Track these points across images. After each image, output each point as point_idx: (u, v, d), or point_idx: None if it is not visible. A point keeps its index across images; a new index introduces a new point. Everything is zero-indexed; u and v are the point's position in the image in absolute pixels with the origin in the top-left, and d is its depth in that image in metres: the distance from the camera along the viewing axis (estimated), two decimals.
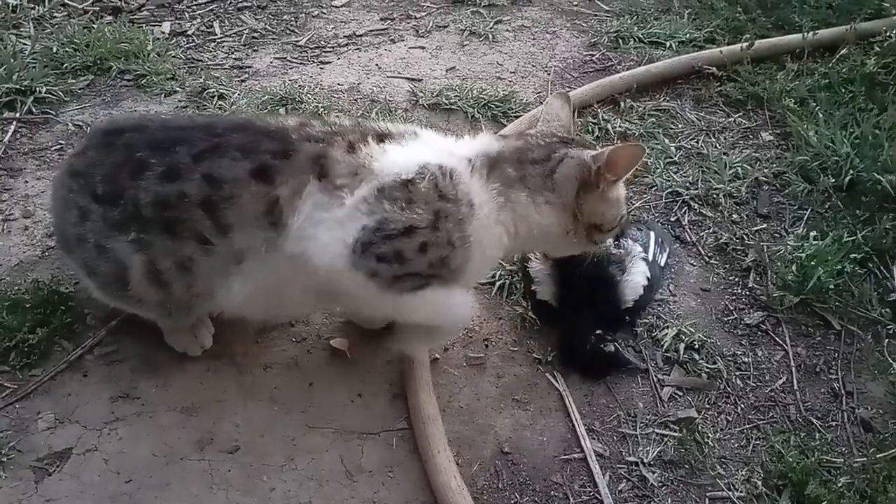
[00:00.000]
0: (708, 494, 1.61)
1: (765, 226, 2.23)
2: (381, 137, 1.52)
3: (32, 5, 2.86)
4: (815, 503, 1.54)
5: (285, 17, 2.99)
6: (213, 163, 1.45)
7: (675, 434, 1.71)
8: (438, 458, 1.57)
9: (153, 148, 1.50)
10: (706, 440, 1.69)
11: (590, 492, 1.61)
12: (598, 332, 1.80)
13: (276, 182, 1.43)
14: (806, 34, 2.79)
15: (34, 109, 2.38)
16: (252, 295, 1.53)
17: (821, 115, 2.49)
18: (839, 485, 1.59)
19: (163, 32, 2.82)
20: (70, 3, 2.91)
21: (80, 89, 2.50)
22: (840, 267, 1.98)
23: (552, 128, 1.65)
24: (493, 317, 1.94)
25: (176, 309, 1.58)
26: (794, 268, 2.00)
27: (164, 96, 2.49)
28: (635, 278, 1.87)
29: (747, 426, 1.74)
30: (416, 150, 1.51)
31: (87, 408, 1.64)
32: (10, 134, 2.29)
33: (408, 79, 2.66)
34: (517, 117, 2.46)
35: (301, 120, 1.57)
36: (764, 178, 2.38)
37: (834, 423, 1.76)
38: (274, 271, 1.48)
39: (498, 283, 1.99)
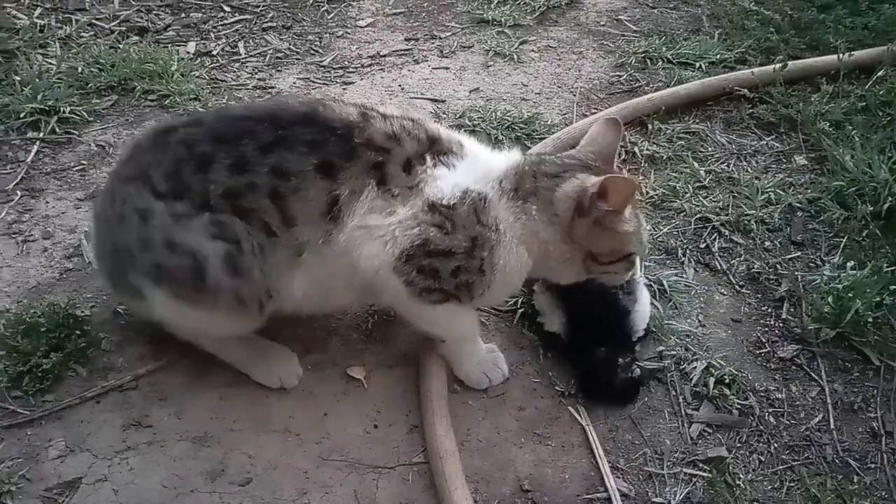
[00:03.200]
0: None
1: (799, 254, 2.15)
2: (433, 149, 1.57)
3: (60, 25, 2.89)
4: None
5: (310, 37, 2.98)
6: (280, 156, 1.49)
7: (705, 474, 1.63)
8: (455, 496, 1.51)
9: (217, 140, 1.52)
10: (737, 482, 1.62)
11: None
12: (620, 359, 1.75)
13: (339, 180, 1.49)
14: (841, 55, 2.71)
15: (57, 129, 2.39)
16: (308, 289, 1.57)
17: (857, 139, 2.41)
18: None
19: (188, 52, 2.82)
20: (97, 22, 2.94)
21: (104, 109, 2.51)
22: (879, 299, 1.90)
23: (583, 152, 1.65)
24: (514, 346, 1.88)
25: (250, 300, 1.54)
26: (830, 299, 1.91)
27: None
28: (643, 308, 1.82)
29: (781, 467, 1.66)
30: (461, 174, 1.56)
31: (99, 435, 1.61)
32: (32, 154, 2.30)
33: (431, 99, 2.63)
34: (541, 139, 2.41)
35: (362, 109, 1.58)
36: (798, 204, 2.30)
37: (873, 466, 1.67)
38: (327, 266, 1.54)
39: (520, 312, 1.93)
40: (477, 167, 1.59)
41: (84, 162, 2.29)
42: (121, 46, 2.75)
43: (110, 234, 1.61)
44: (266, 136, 1.51)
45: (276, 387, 1.72)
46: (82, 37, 2.85)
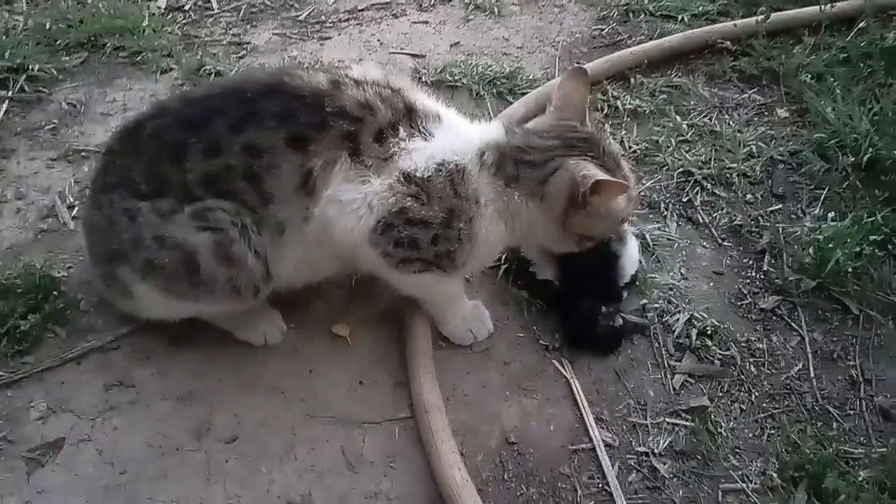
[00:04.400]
0: (721, 486, 1.56)
1: (780, 206, 2.16)
2: (409, 119, 1.53)
3: None
4: (833, 496, 1.49)
5: None
6: (251, 133, 1.45)
7: (687, 423, 1.65)
8: (442, 449, 1.52)
9: (187, 126, 1.48)
10: (719, 430, 1.64)
11: (598, 483, 1.56)
12: (603, 309, 1.77)
13: (311, 152, 1.45)
14: (823, 7, 2.68)
15: (27, 88, 2.31)
16: (297, 264, 1.57)
17: (839, 91, 2.40)
18: (859, 477, 1.53)
19: (158, 7, 2.73)
20: None
21: (74, 67, 2.43)
22: (859, 249, 1.91)
23: (561, 122, 1.60)
24: (498, 302, 1.87)
25: (245, 287, 1.51)
26: (810, 250, 1.93)
27: (160, 74, 2.42)
28: (632, 252, 1.82)
29: (762, 415, 1.68)
30: (437, 145, 1.52)
31: (81, 396, 1.60)
32: (1, 113, 2.22)
33: (410, 55, 2.58)
34: (524, 94, 2.37)
35: (333, 77, 1.54)
36: (779, 157, 2.30)
37: (852, 412, 1.70)
38: (310, 241, 1.52)
39: (503, 268, 1.92)
40: (454, 139, 1.55)
41: (55, 121, 2.23)
42: (89, 1, 2.66)
43: (102, 239, 1.57)
44: (235, 112, 1.47)
45: (261, 344, 1.71)
46: None
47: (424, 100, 1.61)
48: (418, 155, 1.50)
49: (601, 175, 1.47)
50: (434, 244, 1.52)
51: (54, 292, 1.72)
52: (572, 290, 1.77)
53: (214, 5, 2.79)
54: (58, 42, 2.48)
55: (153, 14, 2.67)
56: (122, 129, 1.64)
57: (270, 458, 1.54)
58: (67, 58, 2.45)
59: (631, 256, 1.81)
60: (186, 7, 2.77)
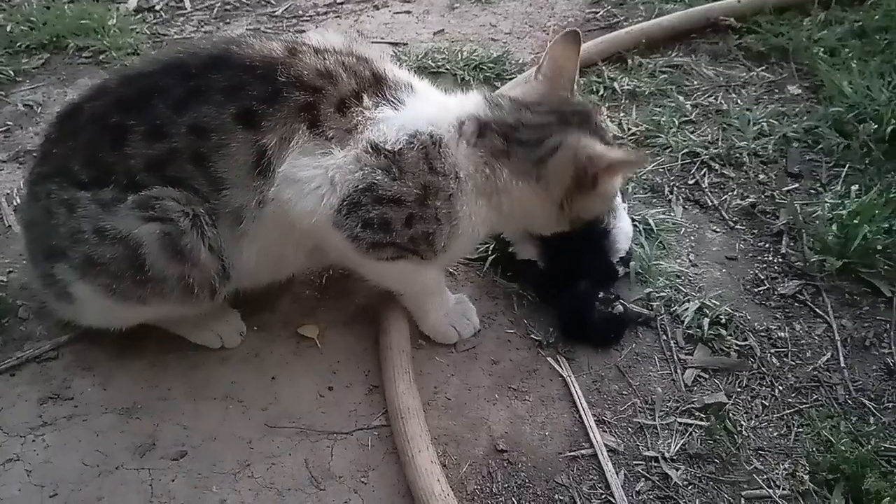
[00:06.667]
0: (743, 493, 1.34)
1: (797, 185, 1.96)
2: (377, 87, 1.36)
3: None
4: (876, 499, 1.27)
5: None
6: (195, 112, 1.29)
7: (702, 423, 1.44)
8: (419, 459, 1.32)
9: (125, 108, 1.32)
10: (739, 429, 1.43)
11: (601, 494, 1.35)
12: (601, 295, 1.58)
13: (263, 128, 1.29)
14: None
15: None
16: (258, 258, 1.40)
17: (854, 65, 2.22)
18: None
19: (127, 8, 2.61)
20: None
21: (34, 68, 2.31)
22: (888, 225, 1.71)
23: (552, 94, 1.45)
24: (485, 295, 1.68)
25: (199, 287, 1.34)
26: (834, 227, 1.73)
27: None
28: (624, 224, 1.64)
29: (788, 411, 1.47)
30: (409, 114, 1.36)
31: (13, 411, 1.42)
32: None
33: (391, 43, 2.43)
34: (511, 79, 2.21)
35: (290, 45, 1.37)
36: (793, 134, 2.10)
37: (890, 405, 1.48)
38: (270, 230, 1.35)
39: (491, 258, 1.73)
40: (429, 108, 1.40)
41: (9, 123, 2.09)
42: (55, 4, 2.54)
43: (39, 234, 1.40)
44: (177, 90, 1.31)
45: (217, 347, 1.53)
46: None
47: (394, 69, 1.44)
48: (388, 125, 1.33)
49: (614, 154, 1.37)
50: (409, 226, 1.35)
51: None
52: (561, 271, 1.57)
53: (187, 4, 2.67)
54: (18, 44, 2.36)
55: (122, 15, 2.55)
56: (60, 113, 1.48)
57: (223, 476, 1.34)
58: (27, 59, 2.33)
59: (623, 230, 1.63)
60: (157, 7, 2.64)
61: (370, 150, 1.31)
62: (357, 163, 1.30)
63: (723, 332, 1.59)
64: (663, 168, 2.01)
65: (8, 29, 2.41)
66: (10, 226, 1.77)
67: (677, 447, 1.41)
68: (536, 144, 1.39)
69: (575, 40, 1.49)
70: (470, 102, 1.44)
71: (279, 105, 1.29)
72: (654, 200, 1.93)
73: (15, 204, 1.82)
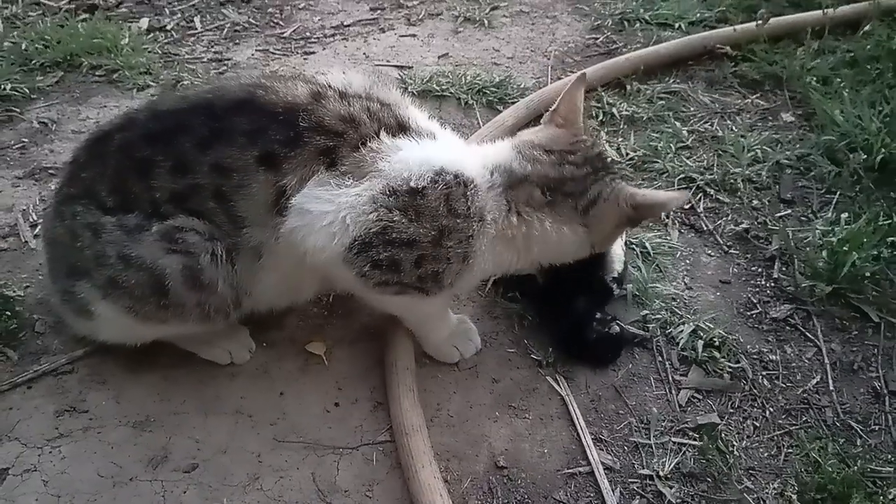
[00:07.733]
0: None
1: (789, 211, 2.03)
2: (399, 130, 1.39)
3: (6, 5, 2.73)
4: None
5: (270, 9, 2.84)
6: (219, 151, 1.33)
7: (695, 443, 1.50)
8: (423, 475, 1.37)
9: (153, 142, 1.36)
10: (731, 449, 1.48)
11: None
12: (598, 315, 1.63)
13: (284, 170, 1.32)
14: (825, 10, 2.58)
15: None
16: (277, 286, 1.45)
17: (846, 94, 2.29)
18: (889, 497, 1.36)
19: (139, 28, 2.67)
20: (45, 1, 2.77)
21: (48, 86, 2.35)
22: (876, 252, 1.77)
23: (577, 141, 1.49)
24: (487, 315, 1.74)
25: (216, 312, 1.39)
26: (824, 254, 1.79)
27: (137, 91, 2.33)
28: (616, 248, 1.71)
29: (778, 432, 1.52)
30: (434, 150, 1.38)
31: (30, 423, 1.46)
32: None
33: (396, 66, 2.49)
34: (513, 103, 2.27)
35: (315, 88, 1.40)
36: (786, 161, 2.17)
37: (877, 427, 1.54)
38: (288, 264, 1.39)
39: (492, 279, 1.78)
40: (453, 149, 1.43)
41: (25, 139, 2.14)
42: (69, 23, 2.60)
43: (62, 252, 1.45)
44: (202, 129, 1.35)
45: (226, 363, 1.58)
46: (29, 15, 2.70)
47: (418, 115, 1.46)
48: (409, 158, 1.34)
49: (659, 196, 1.47)
50: (418, 266, 1.36)
51: (7, 312, 1.60)
52: (561, 289, 1.63)
53: (198, 25, 2.73)
54: (33, 62, 2.41)
55: (133, 34, 2.61)
56: (90, 138, 1.52)
57: (233, 488, 1.39)
58: (42, 77, 2.37)
59: (616, 252, 1.71)
60: (169, 27, 2.70)
61: (387, 192, 1.31)
62: (373, 204, 1.31)
63: (716, 354, 1.65)
64: None
65: (23, 47, 2.46)
66: (26, 241, 1.82)
67: (671, 466, 1.46)
68: (580, 196, 1.43)
69: (584, 81, 1.56)
70: (501, 153, 1.46)
71: (300, 149, 1.32)
72: (650, 224, 1.98)
73: (31, 220, 1.87)
